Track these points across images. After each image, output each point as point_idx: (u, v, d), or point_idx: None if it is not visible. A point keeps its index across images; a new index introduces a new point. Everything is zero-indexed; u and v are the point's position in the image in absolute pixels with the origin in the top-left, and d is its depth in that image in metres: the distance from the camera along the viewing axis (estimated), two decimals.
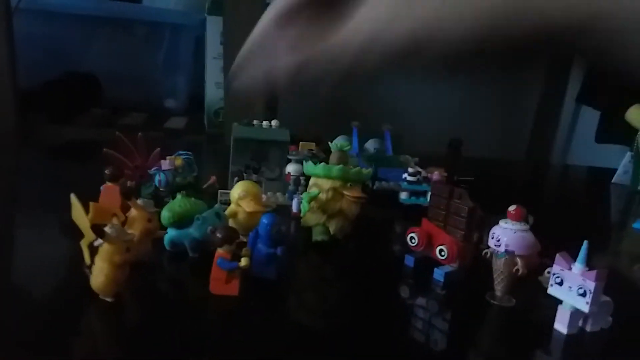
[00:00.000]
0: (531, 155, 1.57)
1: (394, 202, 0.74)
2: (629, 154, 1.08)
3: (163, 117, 1.22)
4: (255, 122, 0.69)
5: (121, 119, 1.17)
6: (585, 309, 0.40)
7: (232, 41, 1.05)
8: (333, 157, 0.55)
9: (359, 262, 0.56)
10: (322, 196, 0.53)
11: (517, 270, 0.44)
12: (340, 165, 0.53)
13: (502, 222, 0.45)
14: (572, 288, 0.41)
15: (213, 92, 1.13)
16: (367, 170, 0.55)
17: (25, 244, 0.53)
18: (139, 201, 0.44)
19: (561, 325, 0.42)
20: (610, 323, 0.43)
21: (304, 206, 0.53)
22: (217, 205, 0.50)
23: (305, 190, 0.56)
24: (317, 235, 0.54)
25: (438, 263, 0.51)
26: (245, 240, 0.47)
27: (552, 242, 0.45)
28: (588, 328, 0.42)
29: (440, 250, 0.50)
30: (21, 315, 0.38)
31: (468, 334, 0.42)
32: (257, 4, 0.89)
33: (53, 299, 0.41)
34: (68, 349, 0.34)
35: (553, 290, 0.42)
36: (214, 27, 1.09)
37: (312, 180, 0.55)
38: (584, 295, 0.40)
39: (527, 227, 0.45)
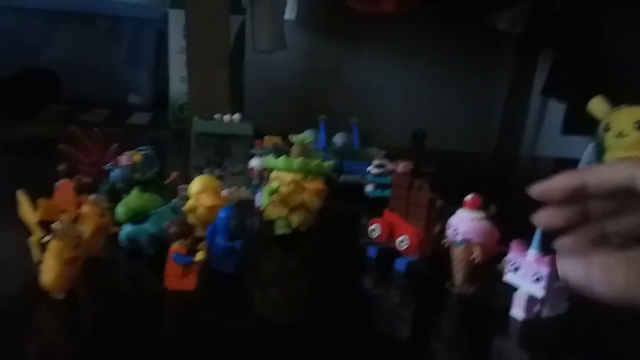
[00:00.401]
0: (500, 147, 1.59)
1: (359, 195, 0.74)
2: (591, 144, 1.11)
3: (126, 113, 1.19)
4: (216, 116, 0.67)
5: (83, 115, 1.14)
6: (540, 294, 0.40)
7: (194, 35, 1.03)
8: (294, 150, 0.55)
9: (322, 254, 0.56)
10: (283, 189, 0.53)
11: (474, 258, 0.45)
12: (301, 158, 0.53)
13: (459, 212, 0.46)
14: (527, 275, 0.41)
15: (177, 87, 1.11)
16: (328, 163, 0.55)
17: None
18: (92, 197, 0.43)
19: (518, 310, 0.43)
20: (567, 308, 0.44)
21: (264, 199, 0.52)
22: (173, 200, 0.49)
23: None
24: (279, 229, 0.54)
25: (400, 254, 0.51)
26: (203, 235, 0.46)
27: (516, 232, 0.46)
28: (545, 313, 0.43)
29: (402, 241, 0.50)
30: None
31: (429, 322, 0.43)
32: None
33: (3, 297, 0.39)
34: (20, 347, 0.33)
35: (509, 277, 0.43)
36: (176, 21, 1.07)
37: (273, 174, 0.54)
38: (538, 281, 0.40)
39: (483, 215, 0.45)
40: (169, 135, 1.10)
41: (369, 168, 0.72)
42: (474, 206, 0.45)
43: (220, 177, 0.65)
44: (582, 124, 1.40)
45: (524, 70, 1.59)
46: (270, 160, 0.54)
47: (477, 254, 0.45)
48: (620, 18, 1.18)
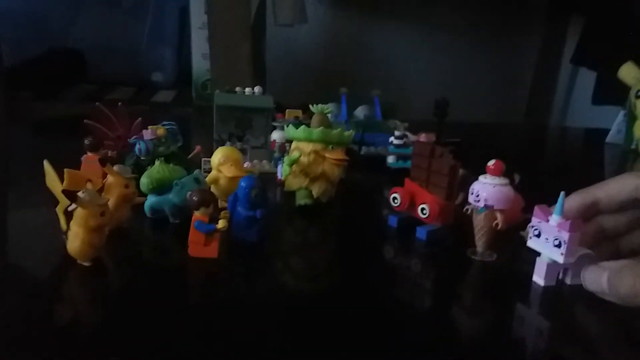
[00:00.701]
0: (529, 118, 1.56)
1: (381, 167, 0.74)
2: (621, 112, 1.07)
3: (151, 91, 1.21)
4: (237, 89, 0.68)
5: (109, 93, 1.16)
6: (560, 259, 0.40)
7: (215, 10, 1.03)
8: (314, 120, 0.54)
9: (343, 225, 0.56)
10: (304, 159, 0.53)
11: (497, 224, 0.44)
12: (321, 128, 0.52)
13: (481, 178, 0.45)
14: (548, 240, 0.41)
15: (200, 64, 1.11)
16: (348, 132, 0.55)
17: (9, 214, 0.53)
18: (116, 167, 0.44)
19: (539, 277, 0.42)
20: None
21: (285, 169, 0.53)
22: (196, 171, 0.49)
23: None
24: (301, 199, 0.54)
25: (421, 222, 0.51)
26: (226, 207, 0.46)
27: (542, 200, 0.45)
28: (568, 281, 0.43)
29: (422, 209, 0.50)
30: (1, 282, 0.38)
31: (450, 290, 0.42)
32: None
33: (33, 265, 0.41)
34: (49, 314, 0.34)
35: (531, 243, 0.42)
36: None
37: (293, 144, 0.55)
38: (559, 246, 0.40)
39: (506, 181, 0.44)
40: (192, 112, 1.12)
41: (391, 139, 0.71)
42: (497, 172, 0.44)
43: (242, 150, 0.66)
44: (612, 94, 1.36)
45: (553, 38, 1.54)
46: (291, 130, 0.54)
47: (499, 220, 0.44)
48: None
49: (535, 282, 0.42)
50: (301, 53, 1.36)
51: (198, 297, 0.39)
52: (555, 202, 0.41)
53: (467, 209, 0.47)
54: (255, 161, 0.67)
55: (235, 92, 0.68)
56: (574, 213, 0.40)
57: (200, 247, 0.41)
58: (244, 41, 1.05)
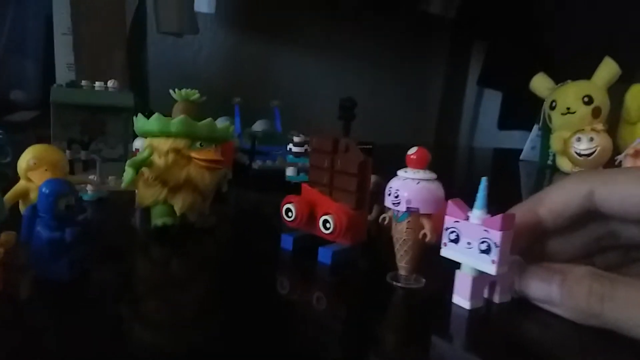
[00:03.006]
0: (438, 140, 1.52)
1: (279, 183, 0.60)
2: (536, 127, 1.03)
3: (8, 111, 1.00)
4: (84, 83, 0.52)
5: None
6: (492, 270, 0.28)
7: (82, 11, 0.87)
8: (175, 109, 0.40)
9: (220, 252, 0.41)
10: (159, 161, 0.38)
11: (425, 235, 0.32)
12: (183, 117, 0.38)
13: (400, 172, 0.33)
14: (471, 244, 0.29)
15: (64, 75, 0.93)
16: (225, 125, 0.41)
17: None
18: None
19: (461, 297, 0.30)
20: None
21: (127, 173, 0.37)
22: None
23: None
24: (158, 218, 0.39)
25: (324, 241, 0.37)
26: None
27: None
28: (496, 299, 0.31)
29: (325, 222, 0.36)
30: None
31: (365, 332, 0.29)
32: None
33: None
34: None
35: (447, 251, 0.30)
36: None
37: (145, 142, 0.39)
38: (487, 251, 0.28)
39: (433, 176, 0.32)
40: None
41: (289, 146, 0.58)
42: (421, 163, 0.32)
43: (87, 162, 0.50)
44: (517, 119, 1.36)
45: (458, 61, 1.53)
46: (140, 121, 0.39)
47: (427, 229, 0.32)
48: None
49: (456, 305, 0.30)
50: (194, 70, 1.21)
51: None
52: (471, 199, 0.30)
53: (384, 218, 0.34)
54: (110, 178, 0.51)
55: (82, 86, 0.51)
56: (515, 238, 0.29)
57: None
58: (118, 50, 0.89)
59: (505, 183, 0.89)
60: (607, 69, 0.87)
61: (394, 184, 0.32)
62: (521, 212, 0.30)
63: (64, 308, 0.28)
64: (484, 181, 0.29)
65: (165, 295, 0.31)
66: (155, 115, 0.38)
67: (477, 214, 0.29)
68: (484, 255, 0.28)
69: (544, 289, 0.29)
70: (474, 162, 1.28)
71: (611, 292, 0.26)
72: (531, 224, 0.30)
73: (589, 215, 0.30)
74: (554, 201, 0.30)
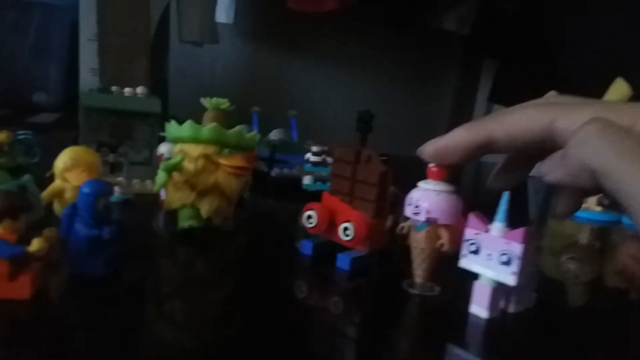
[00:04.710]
0: None
1: (296, 190, 0.62)
2: None
3: (32, 112, 1.02)
4: (114, 88, 0.54)
5: None
6: (511, 281, 0.29)
7: (107, 17, 0.89)
8: (206, 117, 0.42)
9: (242, 256, 0.43)
10: (190, 166, 0.39)
11: (442, 245, 0.33)
12: (214, 125, 0.40)
13: (421, 184, 0.34)
14: (491, 256, 0.30)
15: (88, 81, 0.95)
16: (252, 134, 0.43)
17: None
18: None
19: (480, 307, 0.31)
20: (535, 300, 0.34)
21: (160, 177, 0.39)
22: (26, 176, 0.35)
23: None
24: (184, 221, 0.40)
25: (343, 247, 0.39)
26: None
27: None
28: (511, 309, 0.32)
29: (345, 229, 0.38)
30: None
31: (381, 337, 0.30)
32: None
33: None
34: None
35: (466, 262, 0.31)
36: (88, 3, 0.93)
37: (177, 147, 0.41)
38: (508, 263, 0.29)
39: (452, 188, 0.34)
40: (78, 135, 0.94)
41: (307, 156, 0.60)
42: (441, 176, 0.34)
43: (115, 165, 0.52)
44: None
45: (469, 77, 1.55)
46: (172, 128, 0.41)
47: (444, 239, 0.33)
48: (568, 12, 1.14)
49: (473, 315, 0.31)
50: (213, 79, 1.23)
51: None
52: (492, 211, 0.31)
53: (403, 227, 0.35)
54: (135, 181, 0.53)
55: (112, 92, 0.54)
56: (457, 153, 0.29)
57: (2, 282, 0.26)
58: (142, 57, 0.92)
59: (512, 197, 0.90)
60: (619, 90, 0.88)
61: (414, 195, 0.34)
62: (476, 128, 0.29)
63: (96, 302, 0.29)
64: (505, 195, 0.30)
65: (189, 295, 0.33)
66: (188, 122, 0.40)
67: (498, 226, 0.30)
68: (504, 266, 0.30)
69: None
70: (482, 176, 1.29)
71: None
72: (482, 142, 0.29)
73: (542, 144, 0.28)
74: (514, 124, 0.29)
